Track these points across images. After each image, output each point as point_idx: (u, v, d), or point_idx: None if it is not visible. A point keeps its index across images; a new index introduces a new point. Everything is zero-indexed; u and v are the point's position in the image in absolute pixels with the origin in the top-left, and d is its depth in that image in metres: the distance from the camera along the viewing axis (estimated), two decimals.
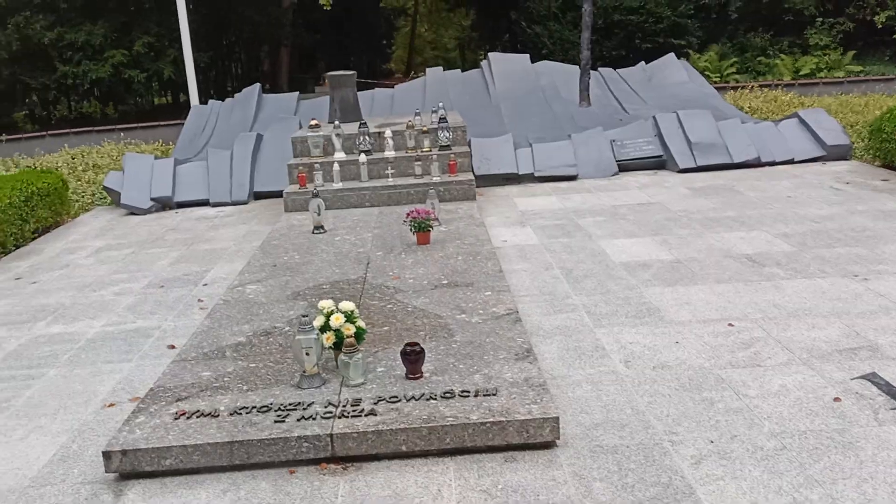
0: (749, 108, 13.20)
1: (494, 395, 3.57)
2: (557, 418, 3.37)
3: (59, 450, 3.72)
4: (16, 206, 8.01)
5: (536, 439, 3.35)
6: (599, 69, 13.07)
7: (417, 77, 17.44)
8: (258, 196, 9.73)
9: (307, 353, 3.79)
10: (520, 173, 9.47)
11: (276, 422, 3.48)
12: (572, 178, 9.50)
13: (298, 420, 3.48)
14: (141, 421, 3.61)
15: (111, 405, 4.17)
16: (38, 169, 10.59)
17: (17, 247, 8.06)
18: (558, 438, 3.38)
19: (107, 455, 3.38)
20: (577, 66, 12.06)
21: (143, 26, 20.46)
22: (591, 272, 5.85)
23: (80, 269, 7.06)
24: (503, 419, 3.35)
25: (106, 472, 3.40)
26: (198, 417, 3.60)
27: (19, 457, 3.68)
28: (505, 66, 12.26)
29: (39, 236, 8.57)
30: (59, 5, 20.11)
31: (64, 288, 6.49)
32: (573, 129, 10.33)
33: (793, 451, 3.25)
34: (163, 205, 9.55)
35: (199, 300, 5.87)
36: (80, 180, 11.12)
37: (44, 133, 17.91)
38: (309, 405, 3.60)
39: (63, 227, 9.06)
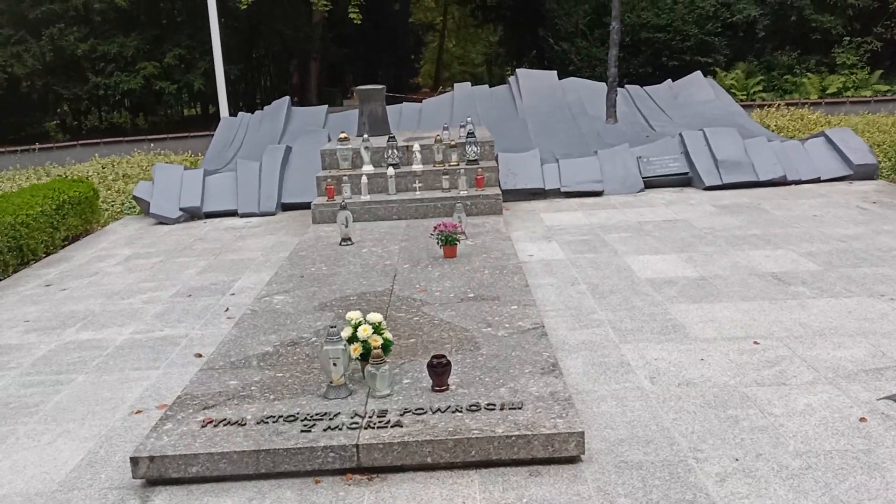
0: (775, 126, 13.14)
1: (520, 408, 3.57)
2: (583, 433, 3.37)
3: (86, 455, 3.77)
4: (47, 214, 8.16)
5: (561, 454, 3.35)
6: (626, 86, 13.08)
7: (445, 92, 17.55)
8: (286, 207, 9.83)
9: (334, 364, 3.82)
10: (546, 188, 9.49)
11: (302, 431, 3.51)
12: (598, 193, 9.50)
13: (325, 430, 3.50)
14: (168, 428, 3.65)
15: (139, 412, 4.23)
16: (69, 178, 10.77)
17: (48, 254, 8.20)
18: (583, 453, 3.38)
19: (134, 461, 3.42)
20: (604, 83, 12.08)
21: (174, 39, 20.81)
22: (617, 288, 5.85)
23: (109, 277, 7.17)
24: (528, 433, 3.35)
25: (133, 477, 3.44)
26: (224, 426, 3.63)
27: (47, 461, 3.74)
28: (532, 82, 12.31)
29: (69, 244, 8.72)
30: (92, 18, 20.54)
31: (93, 295, 6.59)
32: (599, 146, 10.34)
33: (818, 471, 3.22)
34: (191, 215, 9.68)
35: (226, 309, 5.93)
36: (109, 189, 11.31)
37: (75, 143, 18.25)
38: (335, 415, 3.63)
39: (93, 235, 9.21)
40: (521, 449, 3.35)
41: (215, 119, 14.60)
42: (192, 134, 18.06)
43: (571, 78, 13.21)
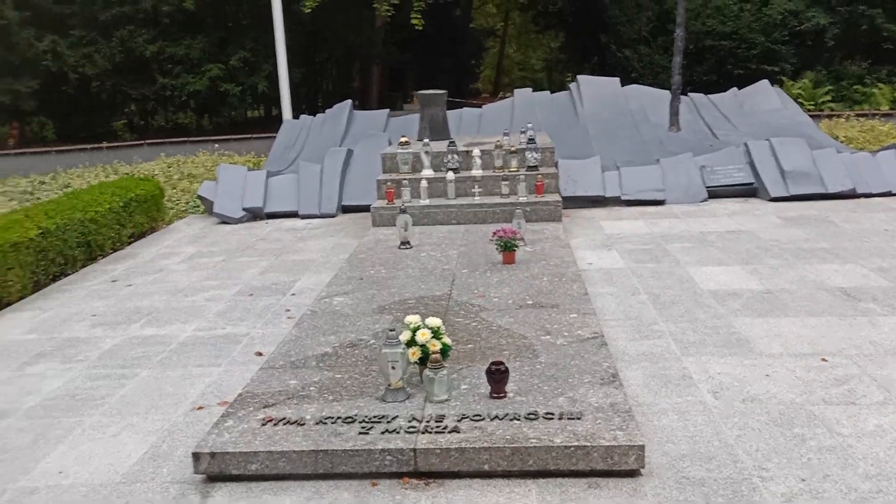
0: (845, 137, 12.74)
1: (579, 419, 3.53)
2: (643, 446, 3.30)
3: (149, 449, 3.85)
4: (115, 211, 8.39)
5: (621, 467, 3.30)
6: (690, 94, 12.85)
7: (505, 97, 17.51)
8: (346, 210, 9.93)
9: (393, 367, 3.83)
10: (606, 196, 9.39)
11: (360, 433, 3.53)
12: (660, 202, 9.35)
13: (382, 433, 3.51)
14: (229, 425, 3.70)
15: (200, 408, 4.30)
16: (137, 176, 11.06)
17: (115, 250, 8.42)
18: (643, 467, 3.32)
19: (196, 456, 3.48)
20: (667, 91, 11.89)
21: (239, 42, 21.23)
22: (679, 299, 5.73)
23: (173, 275, 7.33)
24: (588, 444, 3.30)
25: (194, 472, 3.50)
26: (284, 424, 3.67)
27: (112, 453, 3.83)
28: (594, 88, 12.19)
29: (135, 241, 8.95)
30: (161, 20, 21.08)
31: (157, 292, 6.75)
32: (662, 154, 10.18)
33: (889, 495, 3.10)
34: (254, 215, 9.84)
35: (287, 310, 6.00)
36: (175, 188, 11.57)
37: (142, 142, 18.75)
38: (393, 419, 3.64)
39: (158, 232, 9.43)
40: (579, 460, 3.30)
41: (278, 121, 14.81)
42: (254, 135, 18.37)
43: (634, 85, 13.01)
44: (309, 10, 17.00)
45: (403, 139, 9.32)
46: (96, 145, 18.03)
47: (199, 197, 10.25)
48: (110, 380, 4.80)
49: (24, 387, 4.74)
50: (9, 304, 6.48)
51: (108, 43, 20.73)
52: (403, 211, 7.20)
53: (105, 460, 3.77)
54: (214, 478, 3.50)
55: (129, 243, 8.79)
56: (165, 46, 20.79)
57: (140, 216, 9.03)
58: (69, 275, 7.45)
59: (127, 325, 5.88)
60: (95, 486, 3.53)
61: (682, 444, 3.58)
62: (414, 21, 17.63)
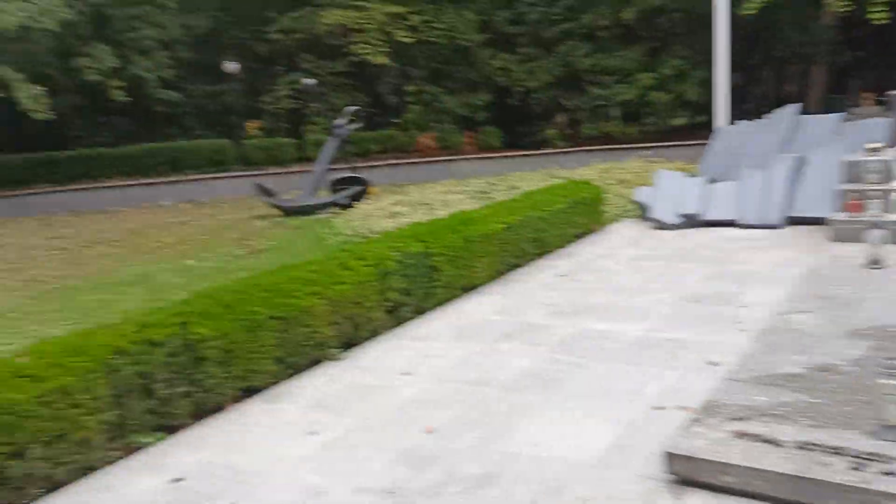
0: None
1: None
2: None
3: (615, 439, 3.93)
4: (563, 212, 8.90)
5: None
6: None
7: None
8: (792, 221, 9.19)
9: (893, 403, 3.36)
10: None
11: (851, 468, 3.16)
12: None
13: (882, 473, 3.10)
14: (699, 431, 3.60)
15: (660, 408, 4.27)
16: (577, 181, 11.60)
17: (559, 248, 8.90)
18: None
19: (670, 456, 3.45)
20: None
21: (671, 50, 21.20)
22: None
23: (615, 275, 7.49)
24: None
25: (666, 472, 3.47)
26: (759, 442, 3.46)
27: (579, 435, 4.01)
28: None
29: (576, 240, 9.36)
30: (599, 35, 22.03)
31: (602, 289, 6.95)
32: None
33: None
34: (689, 222, 9.64)
35: (738, 322, 5.72)
36: (609, 193, 11.88)
37: (574, 149, 19.79)
38: (892, 460, 3.19)
39: (595, 234, 9.75)
40: None
41: (702, 128, 14.43)
42: (681, 142, 18.17)
43: None
44: (753, 13, 16.20)
45: (872, 145, 8.29)
46: (535, 152, 19.52)
47: (636, 201, 10.37)
48: (569, 366, 5.04)
49: (497, 361, 5.24)
50: (475, 288, 7.24)
51: (550, 58, 22.30)
52: (877, 226, 6.38)
53: (574, 441, 3.95)
54: (684, 482, 3.43)
55: (571, 242, 9.23)
56: (601, 59, 21.68)
57: (582, 218, 9.44)
58: (521, 267, 8.05)
59: (577, 317, 6.13)
60: (571, 463, 3.71)
61: None
62: (874, 15, 15.72)
